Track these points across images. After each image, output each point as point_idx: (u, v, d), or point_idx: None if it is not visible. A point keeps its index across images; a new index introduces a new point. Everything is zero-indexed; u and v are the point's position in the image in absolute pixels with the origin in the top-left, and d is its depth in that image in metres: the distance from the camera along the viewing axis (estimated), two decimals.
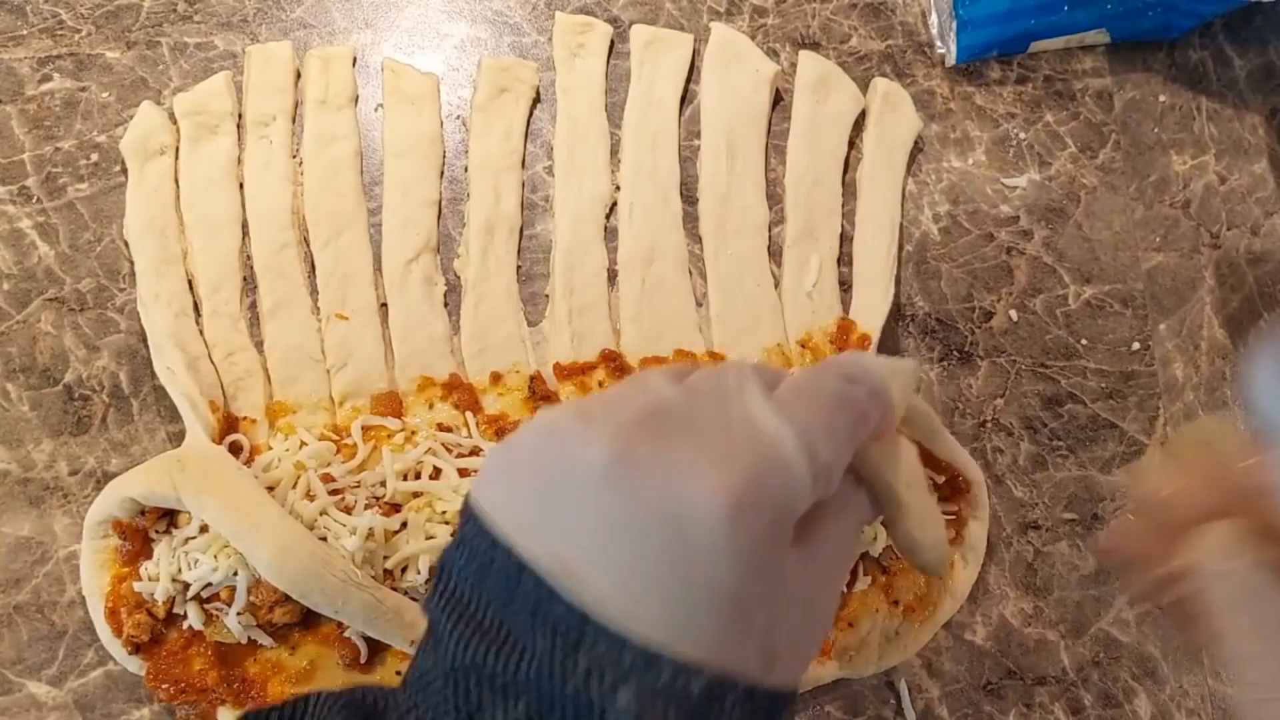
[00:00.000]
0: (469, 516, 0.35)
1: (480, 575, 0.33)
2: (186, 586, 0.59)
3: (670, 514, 0.32)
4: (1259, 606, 0.38)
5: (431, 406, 0.66)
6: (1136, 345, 0.71)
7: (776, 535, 0.33)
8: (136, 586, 0.59)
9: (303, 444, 0.63)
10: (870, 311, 0.69)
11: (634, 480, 0.32)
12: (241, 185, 0.70)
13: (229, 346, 0.66)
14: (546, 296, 0.70)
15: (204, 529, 0.59)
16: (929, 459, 0.63)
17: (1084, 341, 0.71)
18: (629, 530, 0.32)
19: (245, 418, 0.65)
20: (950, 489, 0.64)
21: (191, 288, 0.68)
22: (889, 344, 0.70)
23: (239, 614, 0.58)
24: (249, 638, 0.60)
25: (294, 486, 0.61)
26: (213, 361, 0.66)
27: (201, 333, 0.67)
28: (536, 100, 0.74)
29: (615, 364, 0.67)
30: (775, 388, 0.37)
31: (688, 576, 0.32)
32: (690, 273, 0.70)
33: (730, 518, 0.31)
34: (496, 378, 0.67)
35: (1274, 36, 0.77)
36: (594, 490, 0.33)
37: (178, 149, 0.70)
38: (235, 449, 0.63)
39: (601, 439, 0.33)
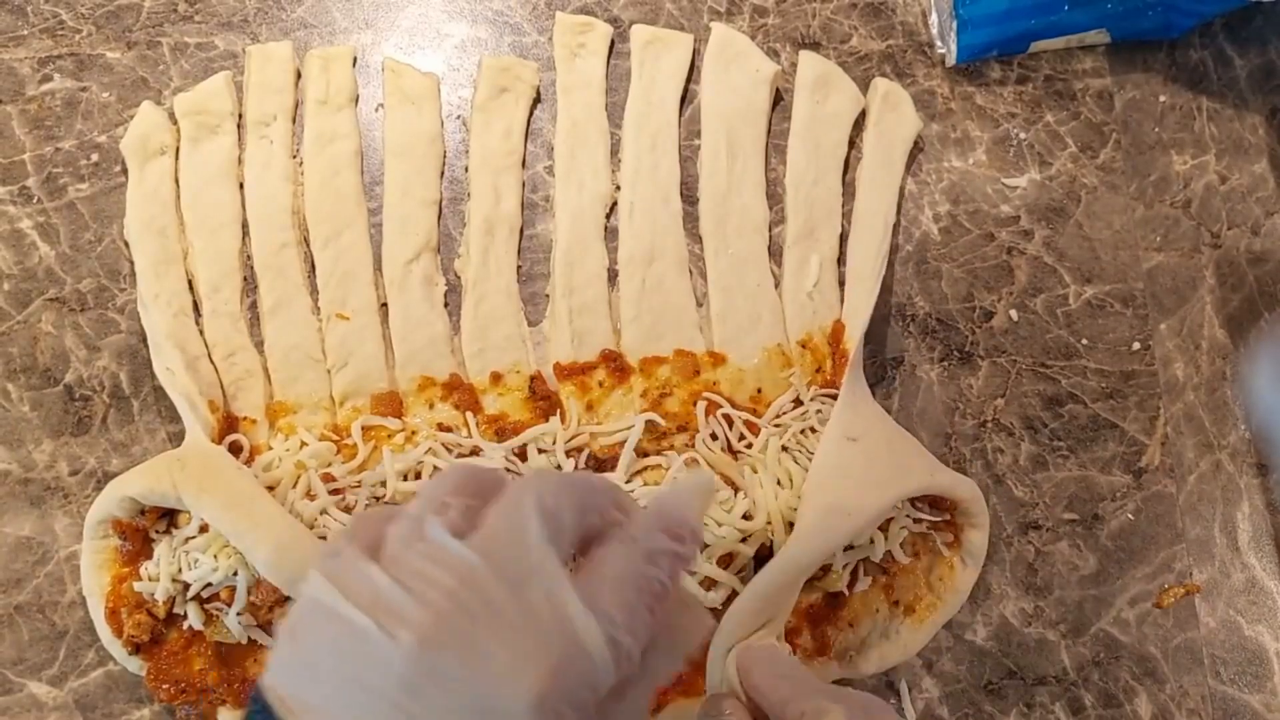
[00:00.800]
0: (260, 707, 0.35)
1: None
2: (186, 586, 0.59)
3: (478, 710, 0.33)
4: None
5: (431, 406, 0.66)
6: (1137, 345, 0.71)
7: (580, 716, 0.35)
8: (136, 586, 0.59)
9: (303, 444, 0.63)
10: (856, 320, 0.68)
11: (440, 684, 0.33)
12: (241, 185, 0.70)
13: (229, 346, 0.66)
14: (546, 296, 0.70)
15: (204, 528, 0.59)
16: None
17: (1084, 341, 0.71)
18: None
19: (245, 418, 0.65)
20: (945, 500, 0.64)
21: (191, 288, 0.68)
22: (890, 346, 0.70)
23: (239, 614, 0.58)
24: (249, 638, 0.60)
25: (294, 486, 0.61)
26: (212, 361, 0.66)
27: (201, 333, 0.67)
28: (537, 100, 0.74)
29: (615, 364, 0.67)
30: (571, 538, 0.38)
31: None
32: (690, 272, 0.70)
33: (536, 711, 0.33)
34: (497, 378, 0.67)
35: (1274, 36, 0.77)
36: (400, 693, 0.33)
37: (178, 149, 0.70)
38: (235, 449, 0.63)
39: (405, 644, 0.33)
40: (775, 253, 0.71)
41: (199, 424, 0.62)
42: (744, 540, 0.60)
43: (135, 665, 0.60)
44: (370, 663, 0.34)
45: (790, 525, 0.61)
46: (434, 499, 0.38)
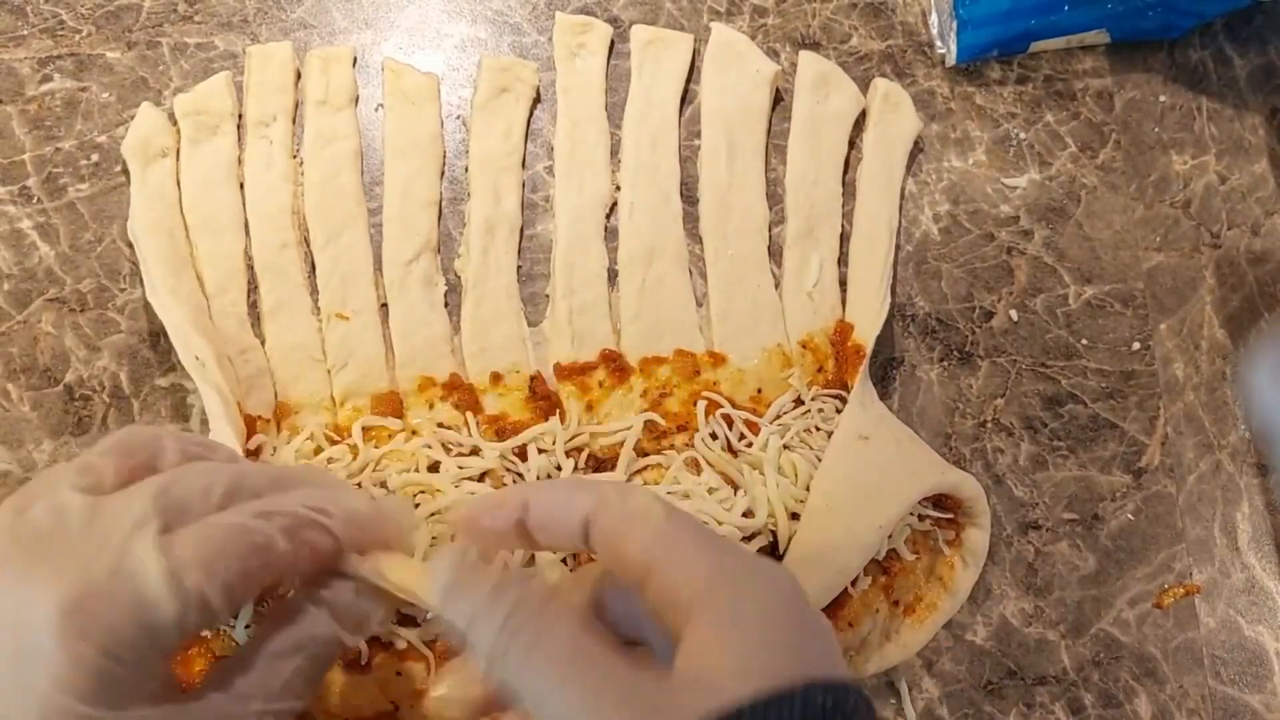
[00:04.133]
0: None
1: None
2: None
3: (12, 621, 0.35)
4: None
5: (432, 406, 0.66)
6: (1137, 345, 0.71)
7: (125, 650, 0.36)
8: None
9: (318, 449, 0.62)
10: (864, 320, 0.68)
11: None
12: (242, 185, 0.70)
13: (239, 345, 0.66)
14: (547, 296, 0.70)
15: None
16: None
17: (1084, 341, 0.71)
18: None
19: (260, 417, 0.65)
20: (949, 498, 0.64)
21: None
22: (891, 346, 0.70)
23: (246, 627, 0.57)
24: None
25: None
26: (229, 360, 0.65)
27: None
28: (536, 100, 0.74)
29: (615, 364, 0.67)
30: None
31: (20, 680, 0.35)
32: (690, 272, 0.70)
33: (61, 624, 0.35)
34: (497, 378, 0.67)
35: (1274, 36, 0.77)
36: None
37: (178, 150, 0.70)
38: (256, 454, 0.62)
39: None
40: (775, 253, 0.71)
41: (229, 426, 0.59)
42: (747, 540, 0.60)
43: None
44: None
45: (793, 516, 0.61)
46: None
